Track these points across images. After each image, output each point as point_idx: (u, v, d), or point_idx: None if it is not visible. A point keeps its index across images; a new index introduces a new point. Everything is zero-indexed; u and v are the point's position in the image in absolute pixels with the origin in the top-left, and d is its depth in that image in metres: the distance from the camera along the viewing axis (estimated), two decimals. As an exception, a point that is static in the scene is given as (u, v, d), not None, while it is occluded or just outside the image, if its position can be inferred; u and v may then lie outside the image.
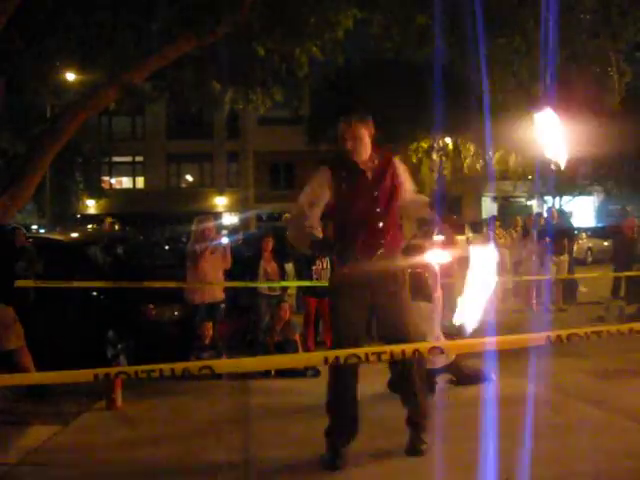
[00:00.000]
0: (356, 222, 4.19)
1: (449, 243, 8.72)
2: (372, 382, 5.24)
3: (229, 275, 7.96)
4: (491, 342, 3.58)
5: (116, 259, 9.37)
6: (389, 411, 4.31)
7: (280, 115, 28.32)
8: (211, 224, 7.82)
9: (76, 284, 7.26)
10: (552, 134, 4.03)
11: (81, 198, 35.56)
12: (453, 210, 4.67)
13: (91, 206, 36.56)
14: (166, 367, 2.84)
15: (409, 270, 4.51)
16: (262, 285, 8.34)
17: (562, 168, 4.24)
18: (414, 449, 4.19)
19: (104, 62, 8.59)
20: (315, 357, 3.74)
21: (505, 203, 39.73)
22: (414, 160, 32.46)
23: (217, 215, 30.35)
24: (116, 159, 37.91)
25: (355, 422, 4.22)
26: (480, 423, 4.92)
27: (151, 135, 37.25)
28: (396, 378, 4.69)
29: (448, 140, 31.01)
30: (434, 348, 3.24)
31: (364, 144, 4.28)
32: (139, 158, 38.60)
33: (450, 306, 6.31)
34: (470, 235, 29.37)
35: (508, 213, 28.95)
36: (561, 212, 14.93)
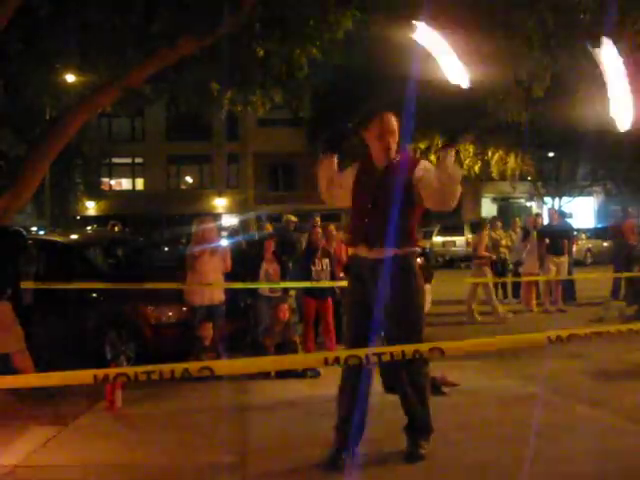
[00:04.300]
0: (361, 218, 4.22)
1: None
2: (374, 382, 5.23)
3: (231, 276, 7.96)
4: (491, 342, 3.59)
5: (116, 260, 9.38)
6: (392, 413, 4.30)
7: (280, 116, 28.40)
8: (211, 226, 7.82)
9: (76, 285, 7.26)
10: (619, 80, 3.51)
11: (81, 199, 35.57)
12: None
13: (91, 207, 36.57)
14: (166, 368, 2.83)
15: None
16: (263, 286, 8.33)
17: (627, 128, 3.85)
18: (411, 455, 4.13)
19: (104, 64, 8.58)
20: (315, 358, 3.73)
21: (504, 204, 39.76)
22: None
23: (217, 216, 30.37)
24: (116, 160, 37.92)
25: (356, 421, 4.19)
26: (480, 424, 4.93)
27: (151, 136, 37.27)
28: (387, 382, 4.67)
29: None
30: (434, 349, 3.23)
31: (394, 140, 4.21)
32: (139, 160, 38.63)
33: None
34: (470, 236, 29.42)
35: (507, 214, 29.03)
36: (561, 213, 14.93)
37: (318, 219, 9.94)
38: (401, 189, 4.12)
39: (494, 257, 11.62)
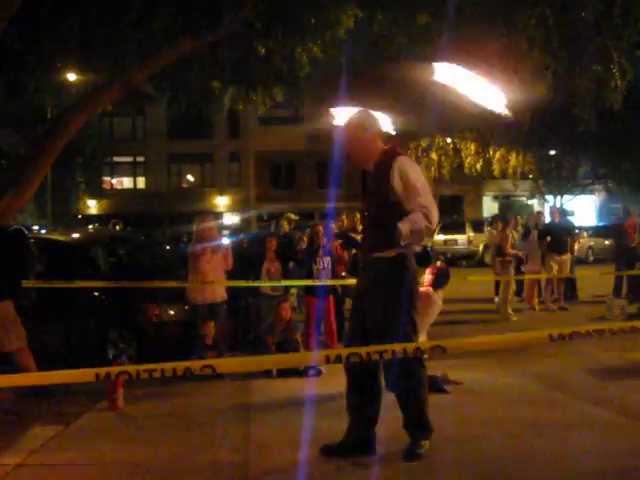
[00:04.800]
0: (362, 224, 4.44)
1: None
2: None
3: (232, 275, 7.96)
4: (493, 340, 3.58)
5: (118, 259, 9.37)
6: (393, 411, 4.29)
7: (281, 115, 28.43)
8: (212, 224, 7.81)
9: (78, 284, 7.26)
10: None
11: (82, 198, 35.63)
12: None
13: (92, 206, 36.63)
14: (168, 367, 2.83)
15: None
16: (264, 285, 8.33)
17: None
18: (411, 454, 4.11)
19: (105, 62, 8.59)
20: (317, 356, 3.73)
21: (506, 202, 39.76)
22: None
23: (218, 215, 30.40)
24: (117, 159, 38.00)
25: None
26: (482, 422, 4.92)
27: (152, 135, 37.31)
28: (389, 379, 4.68)
29: (448, 140, 31.01)
30: (436, 347, 3.23)
31: (356, 147, 4.21)
32: (140, 158, 38.69)
33: None
34: (471, 235, 29.21)
35: (509, 212, 29.03)
36: (562, 211, 14.92)
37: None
38: (381, 194, 4.11)
39: (520, 254, 11.58)
